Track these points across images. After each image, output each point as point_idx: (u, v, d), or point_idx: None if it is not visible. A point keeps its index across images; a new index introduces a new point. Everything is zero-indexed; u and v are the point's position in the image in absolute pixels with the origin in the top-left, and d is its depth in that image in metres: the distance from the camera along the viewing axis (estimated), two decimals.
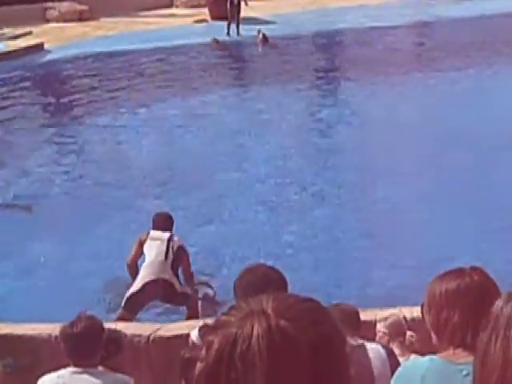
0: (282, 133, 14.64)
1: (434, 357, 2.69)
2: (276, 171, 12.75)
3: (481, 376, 1.52)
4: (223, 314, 1.42)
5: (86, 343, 4.78)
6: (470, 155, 12.44)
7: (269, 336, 1.31)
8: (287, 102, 16.51)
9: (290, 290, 3.37)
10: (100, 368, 4.96)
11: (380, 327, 5.82)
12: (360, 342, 4.66)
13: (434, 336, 2.78)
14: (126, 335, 6.17)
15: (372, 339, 5.41)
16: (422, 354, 4.93)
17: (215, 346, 1.34)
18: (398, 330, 5.51)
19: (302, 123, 15.48)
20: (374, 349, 4.61)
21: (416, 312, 6.40)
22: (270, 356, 1.30)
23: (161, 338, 6.69)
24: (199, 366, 1.34)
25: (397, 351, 5.14)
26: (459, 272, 2.78)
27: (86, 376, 4.76)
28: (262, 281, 3.29)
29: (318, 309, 1.42)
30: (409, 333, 5.45)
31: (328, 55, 21.30)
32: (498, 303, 1.54)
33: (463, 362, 2.60)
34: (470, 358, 2.57)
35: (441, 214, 10.65)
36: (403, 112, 15.14)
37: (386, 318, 5.92)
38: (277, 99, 16.68)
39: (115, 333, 5.64)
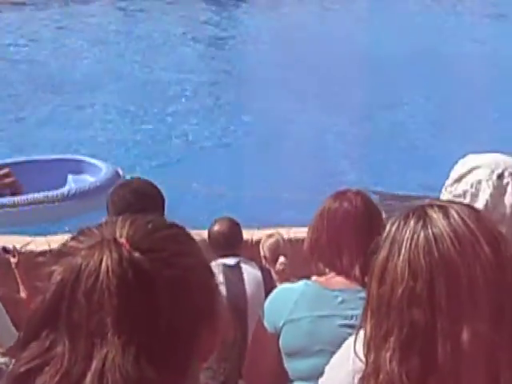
0: None
1: (308, 281, 2.60)
2: None
3: (378, 295, 1.43)
4: (72, 237, 1.21)
5: None
6: None
7: (119, 270, 1.12)
8: None
9: None
10: None
11: (261, 249, 5.70)
12: (235, 261, 4.57)
13: (309, 257, 2.70)
14: None
15: (249, 258, 5.32)
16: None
17: (56, 277, 1.14)
18: (274, 253, 5.40)
19: None
20: (249, 269, 4.53)
21: (293, 233, 6.38)
22: (120, 294, 1.11)
23: None
24: (38, 298, 1.14)
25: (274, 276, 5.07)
26: (340, 194, 2.68)
27: None
28: (134, 196, 3.05)
29: (181, 237, 1.22)
30: (280, 259, 5.33)
31: None
32: (395, 221, 1.46)
33: (338, 288, 2.53)
34: (345, 285, 2.52)
35: None
36: None
37: (269, 237, 5.81)
38: None
39: None
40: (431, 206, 1.46)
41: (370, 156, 10.69)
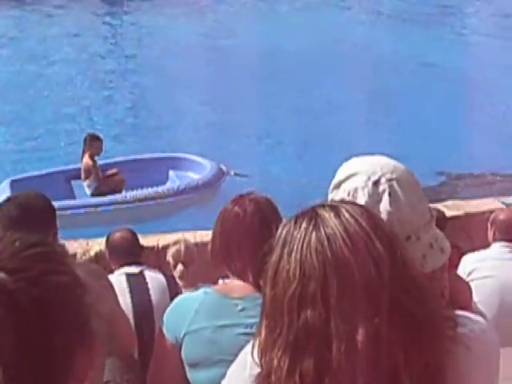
0: None
1: (207, 290, 2.56)
2: None
3: (271, 297, 1.41)
4: None
5: None
6: None
7: None
8: None
9: None
10: None
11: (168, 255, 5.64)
12: (139, 269, 4.49)
13: (211, 260, 2.66)
14: None
15: (155, 266, 5.24)
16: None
17: None
18: (177, 261, 5.38)
19: None
20: (153, 277, 4.45)
21: (199, 237, 6.32)
22: None
23: None
24: None
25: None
26: (237, 198, 2.65)
27: None
28: (19, 211, 2.93)
29: (50, 255, 1.16)
30: (178, 267, 5.31)
31: None
32: (287, 223, 1.45)
33: (237, 295, 2.49)
34: (245, 292, 2.48)
35: None
36: None
37: (173, 245, 5.75)
38: None
39: None
40: (322, 206, 1.44)
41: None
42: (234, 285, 2.54)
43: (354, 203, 1.52)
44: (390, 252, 1.39)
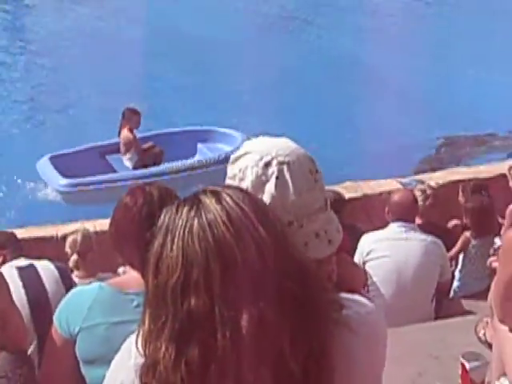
0: None
1: (102, 284, 2.49)
2: None
3: (154, 285, 1.40)
4: None
5: None
6: None
7: None
8: None
9: None
10: None
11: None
12: (28, 262, 4.37)
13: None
14: None
15: (54, 256, 5.13)
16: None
17: None
18: (73, 251, 5.31)
19: None
20: (44, 267, 4.33)
21: (99, 225, 6.24)
22: None
23: None
24: None
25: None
26: (133, 188, 2.61)
27: None
28: None
29: None
30: (73, 257, 5.25)
31: None
32: (168, 210, 1.43)
33: (133, 291, 2.43)
34: (141, 286, 2.42)
35: None
36: None
37: (71, 234, 5.64)
38: None
39: None
40: (204, 192, 1.43)
41: None
42: (130, 277, 2.49)
43: (236, 188, 1.50)
44: (272, 236, 1.39)
